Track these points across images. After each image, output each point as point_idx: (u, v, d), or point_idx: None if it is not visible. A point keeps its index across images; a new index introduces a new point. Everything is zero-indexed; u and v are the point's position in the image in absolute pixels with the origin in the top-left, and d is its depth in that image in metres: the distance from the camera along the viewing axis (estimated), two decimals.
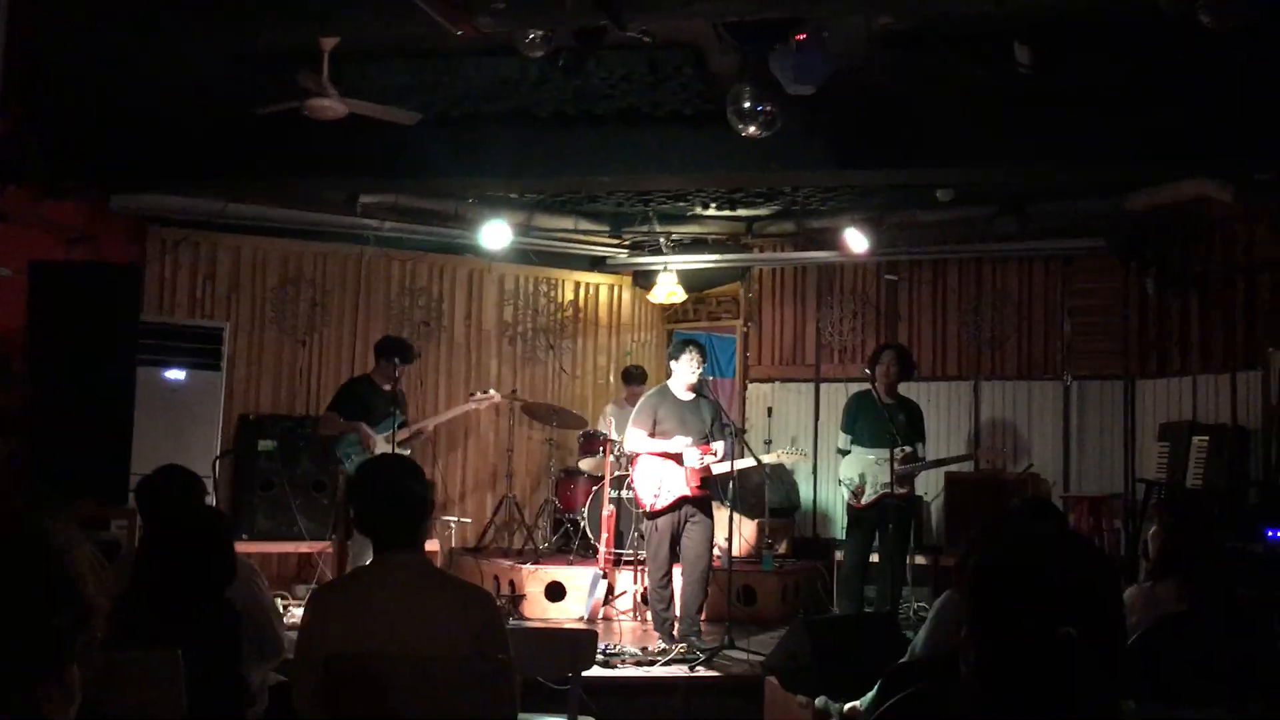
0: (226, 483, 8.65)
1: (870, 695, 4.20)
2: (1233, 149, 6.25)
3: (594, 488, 8.62)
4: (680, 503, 6.88)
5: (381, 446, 7.25)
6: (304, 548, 8.51)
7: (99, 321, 6.74)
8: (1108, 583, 1.59)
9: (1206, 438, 7.57)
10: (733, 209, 9.42)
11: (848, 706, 4.81)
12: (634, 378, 9.58)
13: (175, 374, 8.28)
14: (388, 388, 7.52)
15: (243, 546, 7.83)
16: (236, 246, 9.15)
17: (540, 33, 5.13)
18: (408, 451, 7.32)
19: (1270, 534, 6.21)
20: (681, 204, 9.26)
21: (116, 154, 7.21)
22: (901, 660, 4.28)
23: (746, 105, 5.51)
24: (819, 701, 5.38)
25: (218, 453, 8.22)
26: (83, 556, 1.26)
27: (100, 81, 6.44)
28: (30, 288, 6.78)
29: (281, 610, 4.78)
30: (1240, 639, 3.91)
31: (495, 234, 9.08)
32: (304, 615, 3.06)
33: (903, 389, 7.65)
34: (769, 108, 5.49)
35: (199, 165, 7.33)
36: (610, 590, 8.06)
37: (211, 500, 7.40)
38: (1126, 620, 3.81)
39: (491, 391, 8.36)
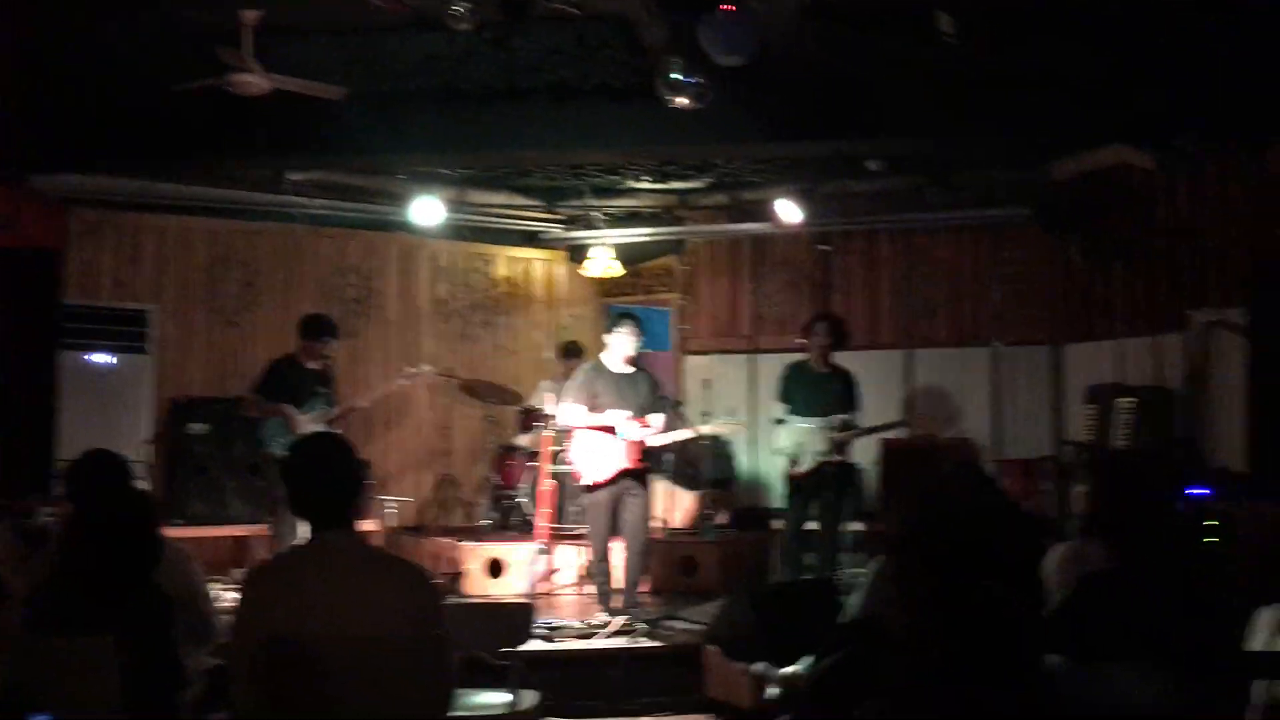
0: (159, 467, 8.51)
1: (808, 660, 4.26)
2: (1152, 116, 6.38)
3: (532, 463, 8.61)
4: (619, 476, 6.89)
5: (307, 427, 7.13)
6: (239, 531, 8.40)
7: (19, 307, 6.59)
8: (1030, 543, 1.62)
9: (1132, 399, 7.73)
10: (666, 182, 9.42)
11: (787, 671, 4.88)
12: (571, 352, 9.55)
13: (101, 358, 8.12)
14: (313, 366, 7.38)
15: (176, 531, 7.76)
16: (162, 227, 8.96)
17: (466, 6, 5.08)
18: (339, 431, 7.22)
19: (1193, 491, 6.37)
20: (614, 177, 9.23)
21: (34, 133, 7.02)
22: (837, 624, 4.34)
23: (676, 78, 5.51)
24: (758, 668, 5.45)
25: (148, 437, 8.10)
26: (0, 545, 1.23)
27: (15, 59, 6.26)
28: None
29: (216, 594, 4.74)
30: (1167, 596, 4.01)
31: (427, 210, 8.98)
32: (240, 597, 3.02)
33: (837, 358, 7.72)
34: (699, 80, 5.49)
35: (122, 144, 7.17)
36: (551, 565, 8.07)
37: (144, 486, 7.30)
38: (1056, 578, 3.90)
39: (423, 366, 8.30)
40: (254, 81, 5.73)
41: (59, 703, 2.60)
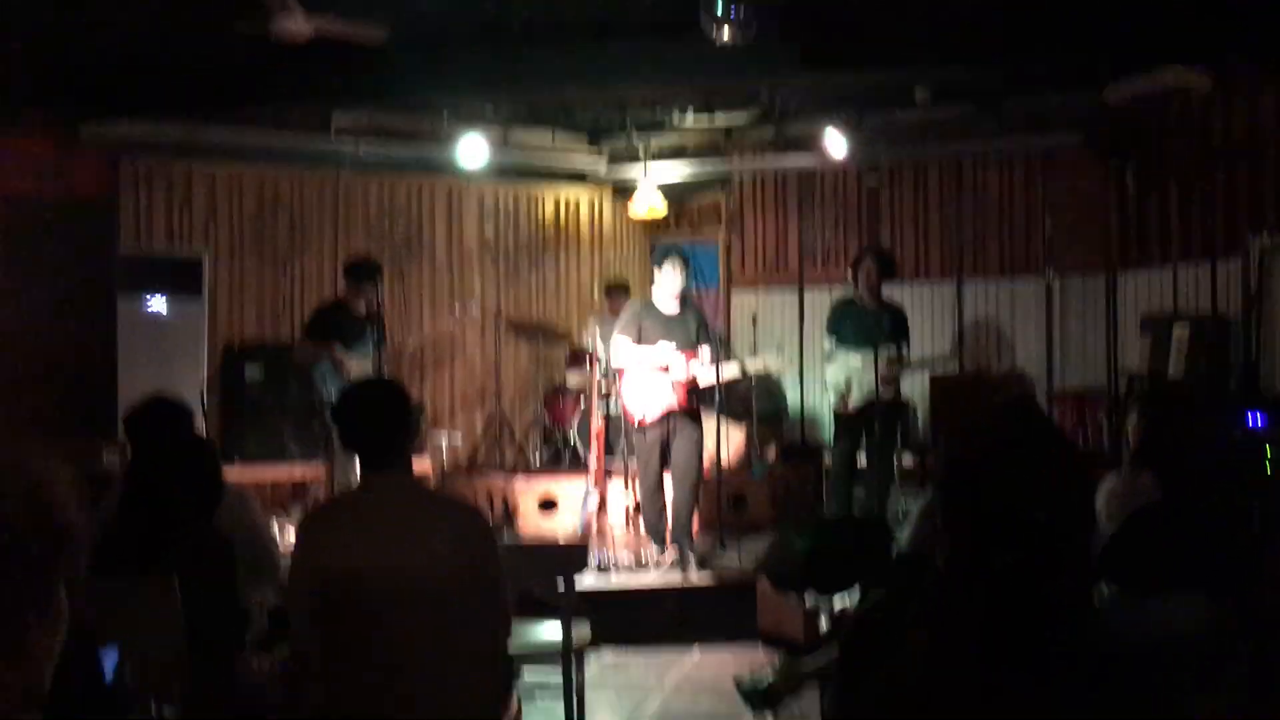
0: (215, 411, 8.67)
1: (857, 594, 4.30)
2: (1210, 36, 6.20)
3: (582, 402, 8.67)
4: (669, 414, 6.92)
5: (356, 369, 7.21)
6: (296, 471, 8.55)
7: (76, 257, 6.71)
8: (1077, 474, 1.62)
9: (1188, 328, 7.61)
10: (710, 115, 9.32)
11: (839, 608, 4.92)
12: (617, 290, 9.57)
13: (157, 305, 8.26)
14: (361, 309, 7.43)
15: (234, 472, 7.89)
16: (211, 174, 9.04)
17: None
18: (387, 371, 7.30)
19: (1250, 419, 6.28)
20: (659, 111, 9.16)
21: (81, 83, 7.09)
22: (886, 558, 4.37)
23: (719, 11, 5.44)
24: (810, 601, 5.51)
25: (204, 382, 8.25)
26: (63, 483, 1.27)
27: (59, 10, 6.30)
28: (4, 226, 6.73)
29: (276, 532, 4.85)
30: (1218, 527, 3.98)
31: (472, 150, 8.98)
32: (296, 539, 3.09)
33: (886, 291, 7.67)
34: (742, 12, 5.42)
35: (168, 91, 7.23)
36: (602, 502, 8.15)
37: (201, 428, 7.45)
38: (1107, 510, 3.87)
39: (471, 305, 8.35)
40: (297, 25, 5.73)
41: (126, 641, 2.69)
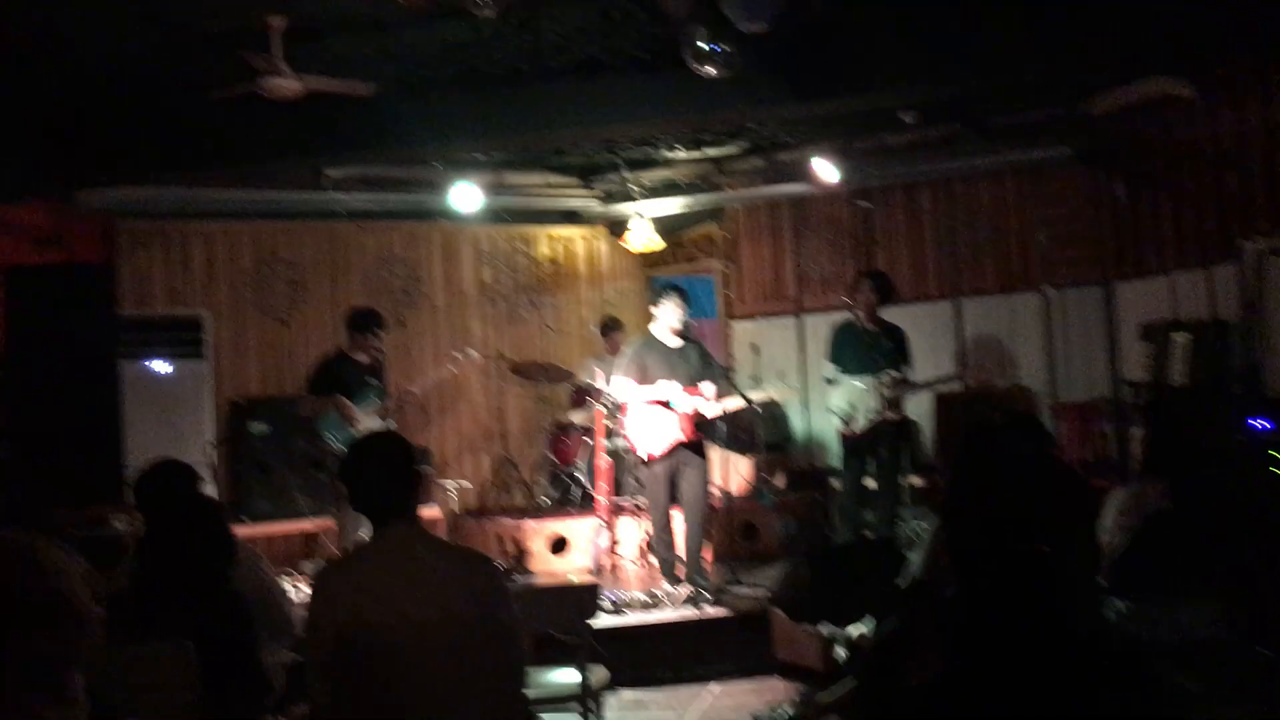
0: (223, 468, 8.69)
1: (872, 620, 4.29)
2: (1189, 44, 6.25)
3: (588, 440, 8.68)
4: (675, 448, 6.93)
5: (364, 419, 7.22)
6: (306, 526, 8.55)
7: (76, 322, 6.74)
8: (1078, 498, 1.63)
9: (1187, 334, 7.63)
10: (700, 150, 9.39)
11: (853, 631, 4.91)
12: (610, 328, 9.61)
13: (160, 366, 8.29)
14: (363, 359, 7.45)
15: (244, 529, 7.94)
16: (208, 233, 9.11)
17: None
18: (391, 423, 7.29)
19: (1254, 423, 6.29)
20: (649, 149, 9.23)
21: (77, 151, 7.15)
22: (899, 583, 4.36)
23: (702, 46, 5.49)
24: (825, 630, 5.49)
25: (210, 440, 8.27)
26: (74, 572, 1.29)
27: (52, 81, 6.37)
28: (6, 294, 6.77)
29: (290, 589, 4.85)
30: (1226, 531, 3.99)
31: (465, 196, 9.05)
32: (311, 595, 3.10)
33: (884, 313, 7.69)
34: (725, 47, 5.47)
35: (162, 155, 7.28)
36: (613, 539, 8.15)
37: (211, 488, 7.45)
38: (1117, 522, 3.88)
39: (471, 352, 8.38)
40: (285, 84, 5.79)
41: (144, 711, 2.69)
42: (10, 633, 1.22)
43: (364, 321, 7.45)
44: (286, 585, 5.10)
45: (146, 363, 8.21)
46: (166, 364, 8.30)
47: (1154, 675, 1.58)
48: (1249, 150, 7.39)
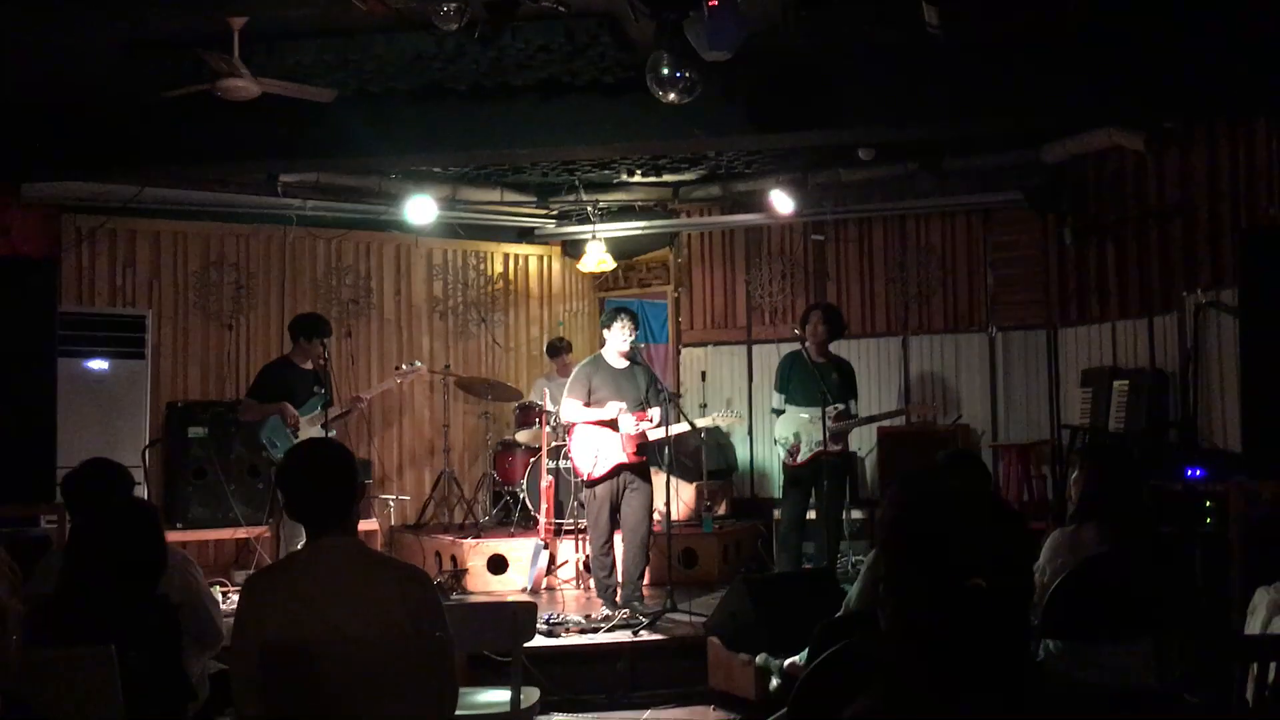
0: (158, 472, 8.54)
1: (807, 650, 4.29)
2: (1140, 98, 6.39)
3: (532, 459, 8.64)
4: (618, 470, 6.92)
5: (306, 427, 7.13)
6: (240, 533, 8.42)
7: (15, 316, 6.59)
8: (1014, 535, 1.64)
9: (1127, 382, 7.76)
10: (658, 175, 9.43)
11: (788, 662, 4.91)
12: (557, 349, 9.62)
13: (98, 364, 8.15)
14: (308, 367, 7.35)
15: (178, 535, 7.80)
16: (155, 231, 8.98)
17: (453, 5, 5.08)
18: (333, 432, 7.22)
19: (1189, 472, 6.40)
20: (607, 172, 9.26)
21: (24, 142, 7.03)
22: (835, 615, 4.37)
23: (665, 72, 5.51)
24: (760, 659, 5.49)
25: (147, 442, 8.12)
26: None
27: (1, 70, 6.26)
28: None
29: (220, 598, 4.77)
30: (1160, 576, 4.04)
31: (420, 209, 9.02)
32: (239, 604, 3.04)
33: (833, 347, 7.75)
34: (688, 74, 5.49)
35: (112, 151, 7.16)
36: (552, 560, 8.11)
37: (143, 491, 7.31)
38: (1052, 563, 3.92)
39: (417, 363, 8.32)
40: (244, 86, 5.73)
41: (69, 714, 2.62)
42: None
43: (310, 328, 7.35)
44: (217, 593, 5.00)
45: (85, 361, 8.06)
46: (104, 362, 8.15)
47: (1087, 714, 1.60)
48: (1193, 203, 7.56)
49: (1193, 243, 7.58)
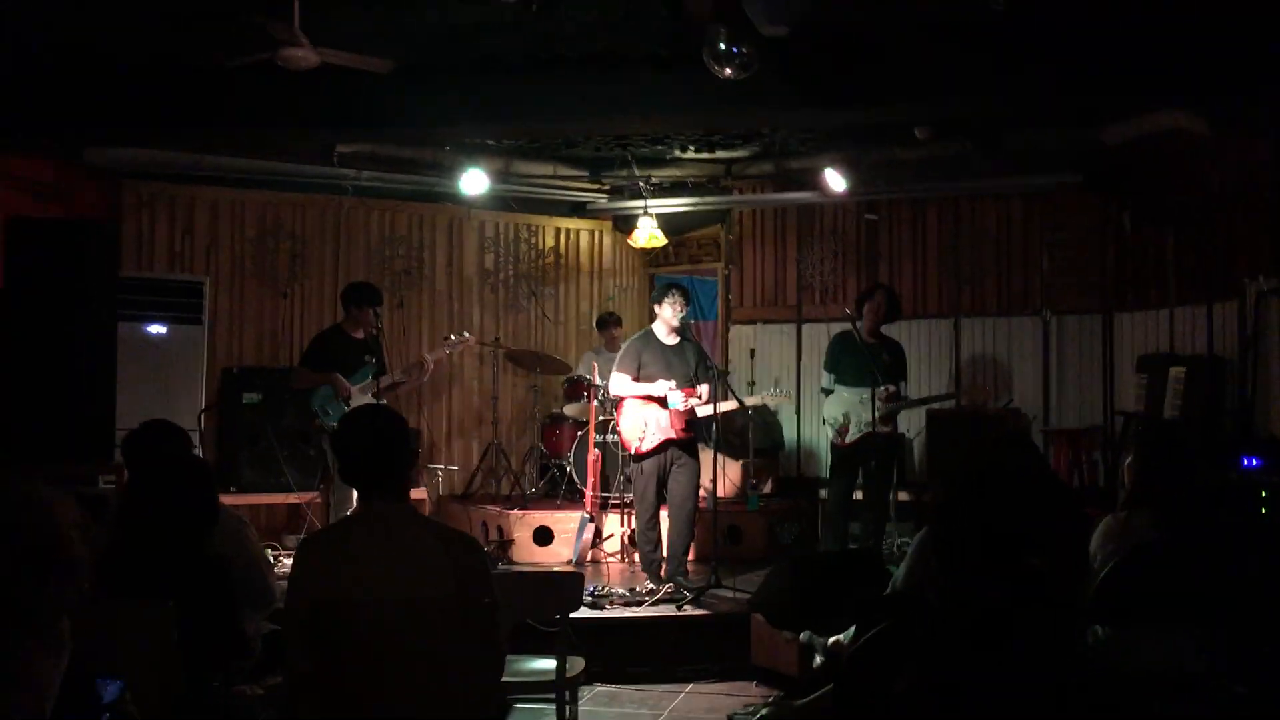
0: (213, 436, 8.68)
1: (852, 629, 4.29)
2: (1205, 81, 6.26)
3: (579, 433, 8.68)
4: (665, 445, 6.93)
5: (357, 396, 7.20)
6: (292, 498, 8.54)
7: (78, 278, 6.71)
8: (1072, 517, 1.63)
9: (1184, 369, 7.63)
10: (711, 151, 9.39)
11: (831, 640, 4.90)
12: (607, 323, 9.63)
13: (157, 329, 8.28)
14: (359, 336, 7.41)
15: (231, 499, 7.92)
16: (213, 199, 9.09)
17: None
18: (383, 401, 7.28)
19: (1245, 461, 6.29)
20: (660, 147, 9.23)
21: (87, 107, 7.13)
22: (881, 594, 4.36)
23: (722, 47, 5.48)
24: (803, 636, 5.48)
25: (202, 406, 8.25)
26: (67, 515, 1.29)
27: (67, 36, 6.35)
28: (6, 245, 6.74)
29: (272, 561, 4.85)
30: (1212, 566, 3.99)
31: (473, 181, 9.06)
32: (293, 565, 3.09)
33: (885, 328, 7.70)
34: (744, 49, 5.46)
35: (172, 118, 7.25)
36: (598, 533, 8.15)
37: (198, 454, 7.43)
38: (1103, 549, 3.89)
39: (465, 334, 8.36)
40: (303, 55, 5.77)
41: (125, 667, 2.68)
42: (8, 576, 1.21)
43: (361, 297, 7.41)
44: (270, 557, 5.08)
45: (144, 325, 8.19)
46: (162, 327, 8.28)
47: (1138, 698, 1.59)
48: (1257, 188, 7.40)
49: (1255, 228, 7.43)
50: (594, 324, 10.05)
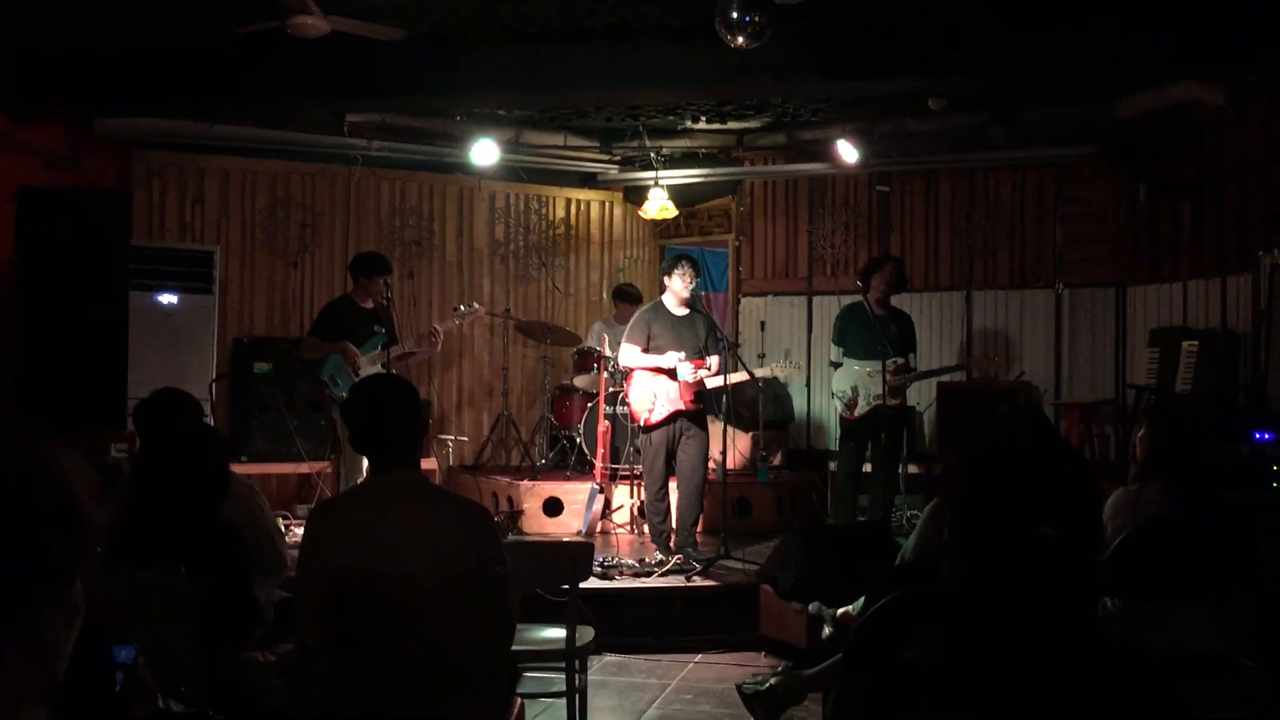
0: (224, 405, 8.71)
1: (861, 600, 4.30)
2: (1223, 51, 6.20)
3: (589, 404, 8.68)
4: (675, 417, 6.94)
5: (366, 366, 7.19)
6: (303, 468, 8.58)
7: (90, 247, 6.72)
8: (1085, 486, 1.63)
9: (1196, 343, 7.61)
10: (723, 122, 9.35)
11: (840, 611, 4.92)
12: (623, 295, 9.56)
13: (168, 298, 8.29)
14: (369, 306, 7.39)
15: (242, 468, 7.94)
16: (224, 169, 9.08)
17: None
18: (393, 371, 7.27)
19: (1257, 436, 6.27)
20: (671, 118, 9.18)
21: (98, 76, 7.12)
22: (890, 565, 4.37)
23: (734, 16, 5.44)
24: (812, 607, 5.51)
25: (214, 376, 8.27)
26: (82, 478, 1.29)
27: (76, 2, 6.33)
28: (18, 214, 6.75)
29: (283, 529, 4.86)
30: (1224, 539, 3.99)
31: (484, 152, 9.02)
32: (305, 533, 3.10)
33: (894, 300, 7.68)
34: (757, 18, 5.43)
35: (182, 86, 7.25)
36: (607, 504, 8.17)
37: (209, 422, 7.45)
38: (1113, 522, 3.88)
39: (475, 305, 8.32)
40: (313, 23, 5.75)
41: (139, 635, 2.70)
42: (19, 536, 1.22)
43: (370, 267, 7.37)
44: (281, 525, 5.10)
45: (156, 295, 8.21)
46: (173, 296, 8.29)
47: (1151, 672, 1.59)
48: (1274, 160, 7.34)
49: (1270, 201, 7.38)
50: (613, 295, 9.92)
